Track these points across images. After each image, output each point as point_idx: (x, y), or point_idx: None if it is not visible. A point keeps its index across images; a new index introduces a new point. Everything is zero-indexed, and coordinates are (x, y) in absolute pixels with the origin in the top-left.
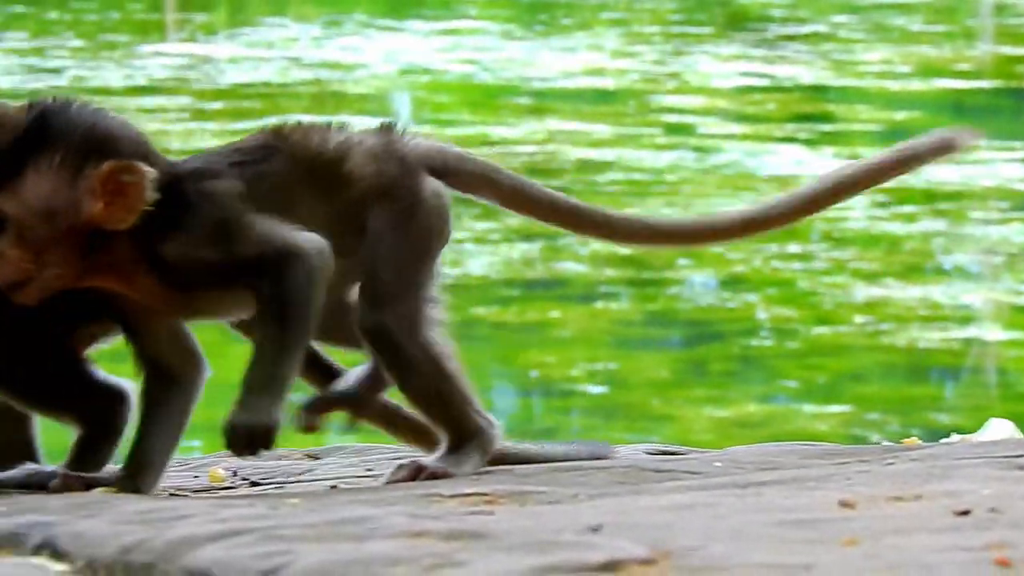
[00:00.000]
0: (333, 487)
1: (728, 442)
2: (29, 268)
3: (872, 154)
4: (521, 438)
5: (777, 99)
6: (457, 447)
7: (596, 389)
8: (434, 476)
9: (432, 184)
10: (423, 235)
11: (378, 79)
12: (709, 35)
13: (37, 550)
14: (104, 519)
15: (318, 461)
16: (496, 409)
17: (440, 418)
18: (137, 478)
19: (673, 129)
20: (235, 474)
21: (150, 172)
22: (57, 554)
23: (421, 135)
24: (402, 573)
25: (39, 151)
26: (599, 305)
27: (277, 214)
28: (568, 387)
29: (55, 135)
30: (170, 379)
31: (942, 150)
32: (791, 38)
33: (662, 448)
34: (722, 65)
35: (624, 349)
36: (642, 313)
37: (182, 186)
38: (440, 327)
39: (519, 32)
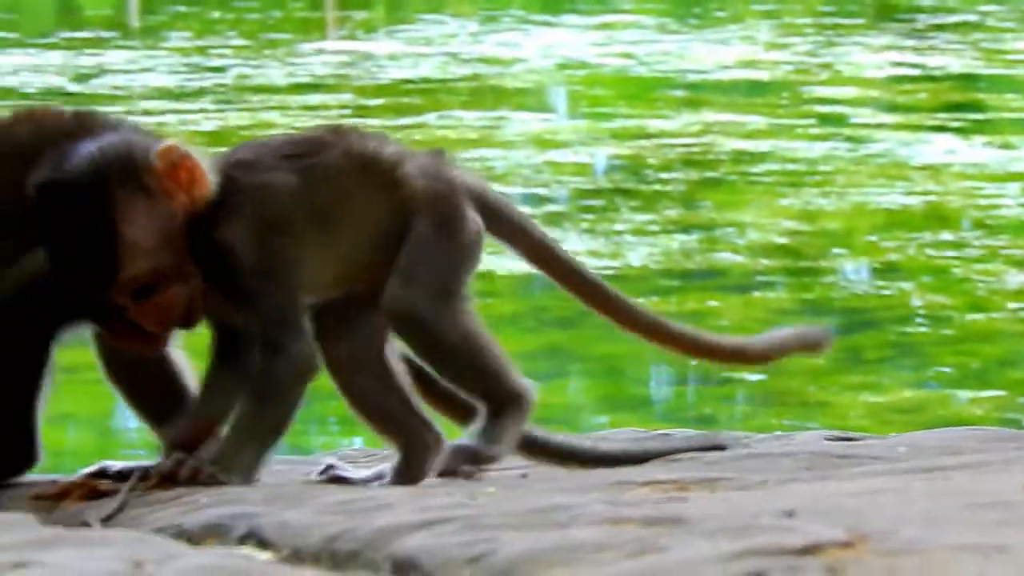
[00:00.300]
0: (524, 475)
1: (886, 428)
2: (187, 292)
3: None
4: (680, 426)
5: (928, 88)
6: (496, 416)
7: (753, 377)
8: (476, 461)
9: (473, 213)
10: (462, 251)
11: (535, 73)
12: (860, 26)
13: (243, 540)
14: (307, 509)
15: None
16: (654, 397)
17: (475, 389)
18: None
19: (826, 119)
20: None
21: (192, 149)
22: (263, 543)
23: (469, 170)
24: (607, 559)
25: (107, 208)
26: (756, 294)
27: (326, 205)
28: (725, 375)
29: (107, 175)
30: None
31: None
32: (941, 27)
33: (840, 434)
34: (873, 55)
35: None
36: (798, 302)
37: (234, 176)
38: (469, 311)
39: (673, 25)
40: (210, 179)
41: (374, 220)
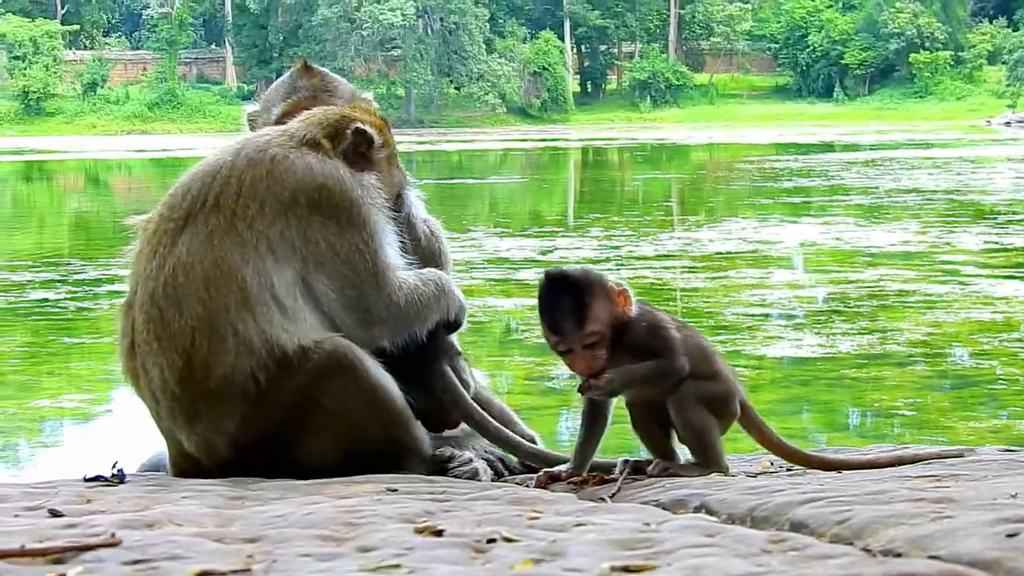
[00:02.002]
0: (838, 472)
1: None
2: (605, 358)
3: None
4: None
5: None
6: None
7: None
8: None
9: None
10: None
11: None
12: None
13: (697, 509)
14: (731, 491)
15: None
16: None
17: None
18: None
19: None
20: (772, 464)
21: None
22: (710, 511)
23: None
24: (918, 523)
25: (591, 295)
26: None
27: None
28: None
29: (591, 287)
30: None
31: None
32: None
33: None
34: None
35: None
36: None
37: (641, 315)
38: None
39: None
40: (633, 311)
41: None
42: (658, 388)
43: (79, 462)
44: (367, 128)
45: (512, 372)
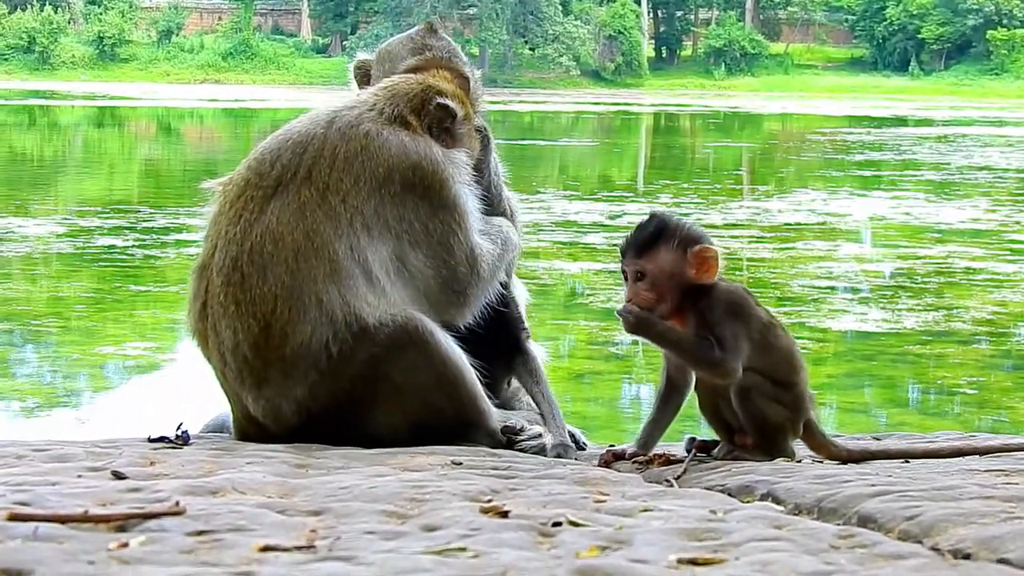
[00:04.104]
0: (905, 461)
1: None
2: (653, 302)
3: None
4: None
5: None
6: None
7: None
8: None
9: None
10: None
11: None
12: None
13: (763, 497)
14: (798, 479)
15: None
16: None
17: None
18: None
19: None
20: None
21: (719, 252)
22: (776, 500)
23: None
24: (988, 523)
25: (665, 240)
26: None
27: None
28: None
29: (672, 235)
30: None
31: None
32: None
33: None
34: None
35: None
36: None
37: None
38: None
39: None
40: (718, 272)
41: None
42: (693, 366)
43: (141, 414)
44: (449, 102)
45: (575, 336)
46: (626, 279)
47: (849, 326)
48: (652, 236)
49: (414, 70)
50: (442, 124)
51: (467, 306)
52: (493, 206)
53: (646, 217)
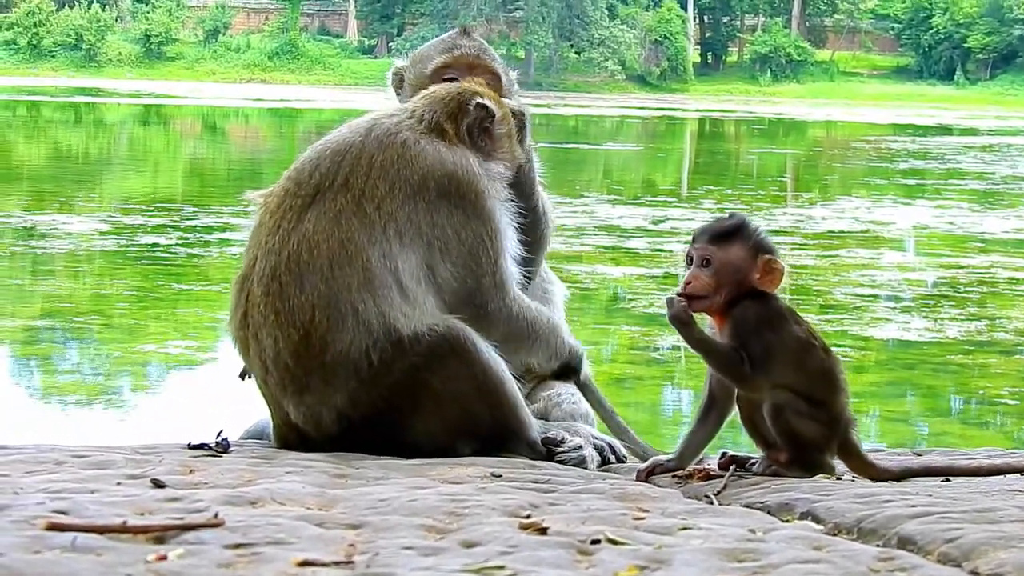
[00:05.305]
0: (946, 480)
1: None
2: (710, 291)
3: None
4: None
5: None
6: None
7: None
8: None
9: None
10: None
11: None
12: None
13: (803, 516)
14: (838, 498)
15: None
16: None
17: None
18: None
19: None
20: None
21: (785, 267)
22: (816, 519)
23: None
24: None
25: (742, 237)
26: None
27: None
28: None
29: (749, 235)
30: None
31: None
32: None
33: None
34: None
35: None
36: None
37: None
38: None
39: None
40: (767, 288)
41: None
42: (717, 372)
43: (182, 413)
44: (488, 102)
45: (617, 340)
46: (689, 264)
47: (891, 335)
48: (731, 229)
49: (443, 67)
50: (482, 124)
51: (485, 325)
52: (524, 195)
53: (726, 215)
